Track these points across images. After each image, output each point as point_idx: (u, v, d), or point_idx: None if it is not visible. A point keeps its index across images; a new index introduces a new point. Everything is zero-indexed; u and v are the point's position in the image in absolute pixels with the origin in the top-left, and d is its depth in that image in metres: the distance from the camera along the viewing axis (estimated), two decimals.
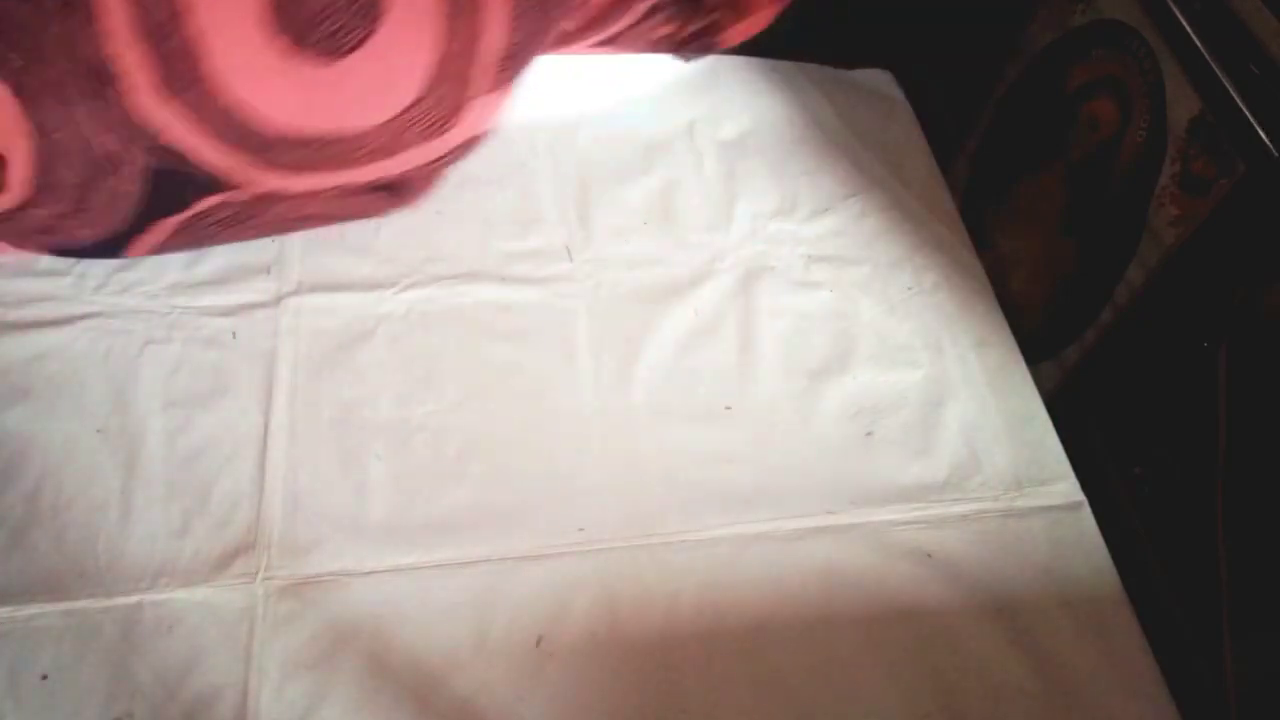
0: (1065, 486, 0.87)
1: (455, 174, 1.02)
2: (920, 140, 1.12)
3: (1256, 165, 0.69)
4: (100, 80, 0.69)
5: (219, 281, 0.98)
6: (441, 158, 0.91)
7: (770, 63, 1.18)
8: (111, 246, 0.89)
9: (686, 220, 1.05)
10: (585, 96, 1.14)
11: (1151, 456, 0.82)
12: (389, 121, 0.82)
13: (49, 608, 0.78)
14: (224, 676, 0.75)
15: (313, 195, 0.88)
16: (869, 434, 0.90)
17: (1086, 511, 0.85)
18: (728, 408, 0.91)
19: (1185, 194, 0.76)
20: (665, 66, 1.14)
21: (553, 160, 1.09)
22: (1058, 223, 0.92)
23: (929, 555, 0.83)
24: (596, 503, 0.85)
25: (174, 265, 0.99)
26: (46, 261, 0.98)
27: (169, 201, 0.83)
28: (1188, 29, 0.75)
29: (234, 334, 0.95)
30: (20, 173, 0.76)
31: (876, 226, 1.05)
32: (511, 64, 0.84)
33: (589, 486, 0.86)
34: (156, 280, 0.98)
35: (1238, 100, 0.70)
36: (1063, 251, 0.91)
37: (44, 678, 0.75)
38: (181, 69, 0.70)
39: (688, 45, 1.04)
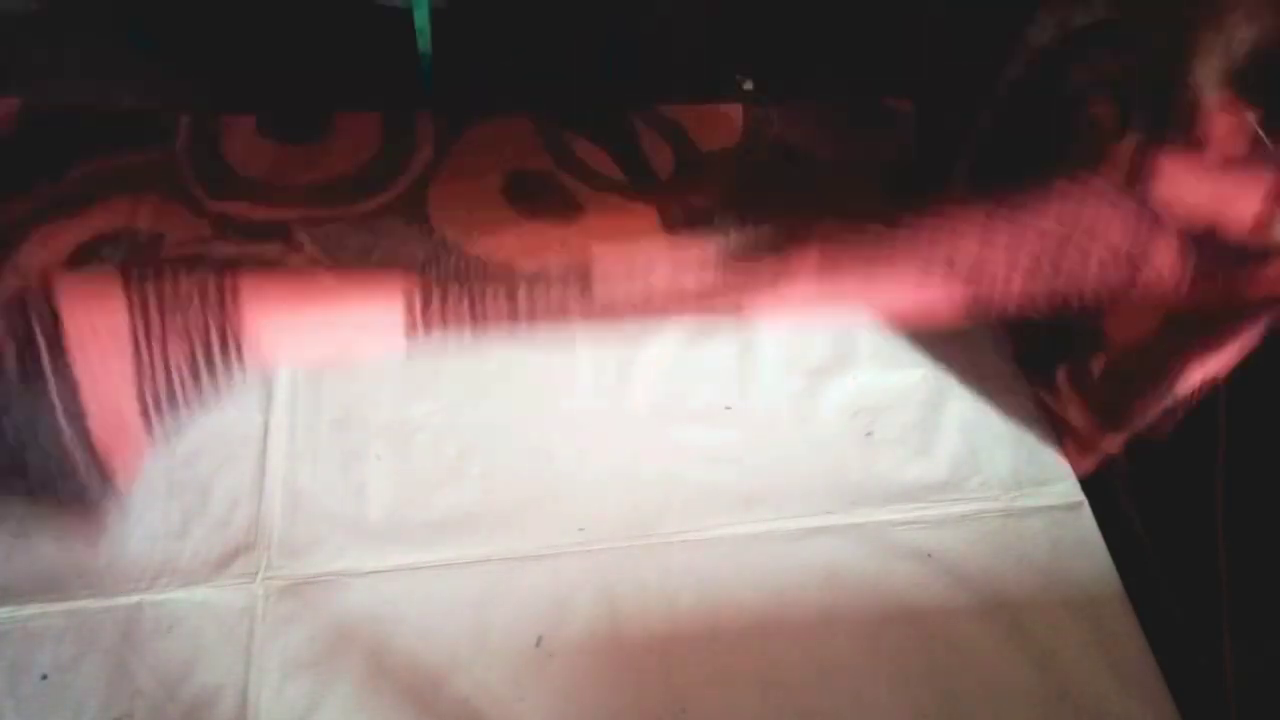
0: (1065, 486, 0.87)
1: None
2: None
3: None
4: None
5: None
6: None
7: None
8: None
9: None
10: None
11: (1151, 456, 0.82)
12: None
13: (49, 608, 0.78)
14: (224, 676, 0.76)
15: None
16: (869, 434, 0.90)
17: (1086, 511, 0.85)
18: (728, 408, 0.91)
19: None
20: None
21: None
22: None
23: (929, 555, 0.83)
24: (596, 503, 0.85)
25: None
26: None
27: None
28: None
29: None
30: None
31: None
32: None
33: (589, 486, 0.86)
34: None
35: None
36: None
37: (44, 677, 0.75)
38: None
39: None
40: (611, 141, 1.08)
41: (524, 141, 1.08)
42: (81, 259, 0.93)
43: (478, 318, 0.62)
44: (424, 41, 1.10)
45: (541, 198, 1.02)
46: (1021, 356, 0.92)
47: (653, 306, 0.66)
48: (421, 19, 1.10)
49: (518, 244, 0.85)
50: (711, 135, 1.11)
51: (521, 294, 0.63)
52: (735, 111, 1.14)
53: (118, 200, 0.99)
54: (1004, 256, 0.59)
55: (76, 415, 0.53)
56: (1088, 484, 0.87)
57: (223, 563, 0.80)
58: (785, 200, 1.06)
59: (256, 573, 0.80)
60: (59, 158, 1.01)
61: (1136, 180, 0.57)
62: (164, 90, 1.10)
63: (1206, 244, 0.58)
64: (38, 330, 0.51)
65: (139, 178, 1.01)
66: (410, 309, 0.59)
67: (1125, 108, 0.84)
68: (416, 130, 1.07)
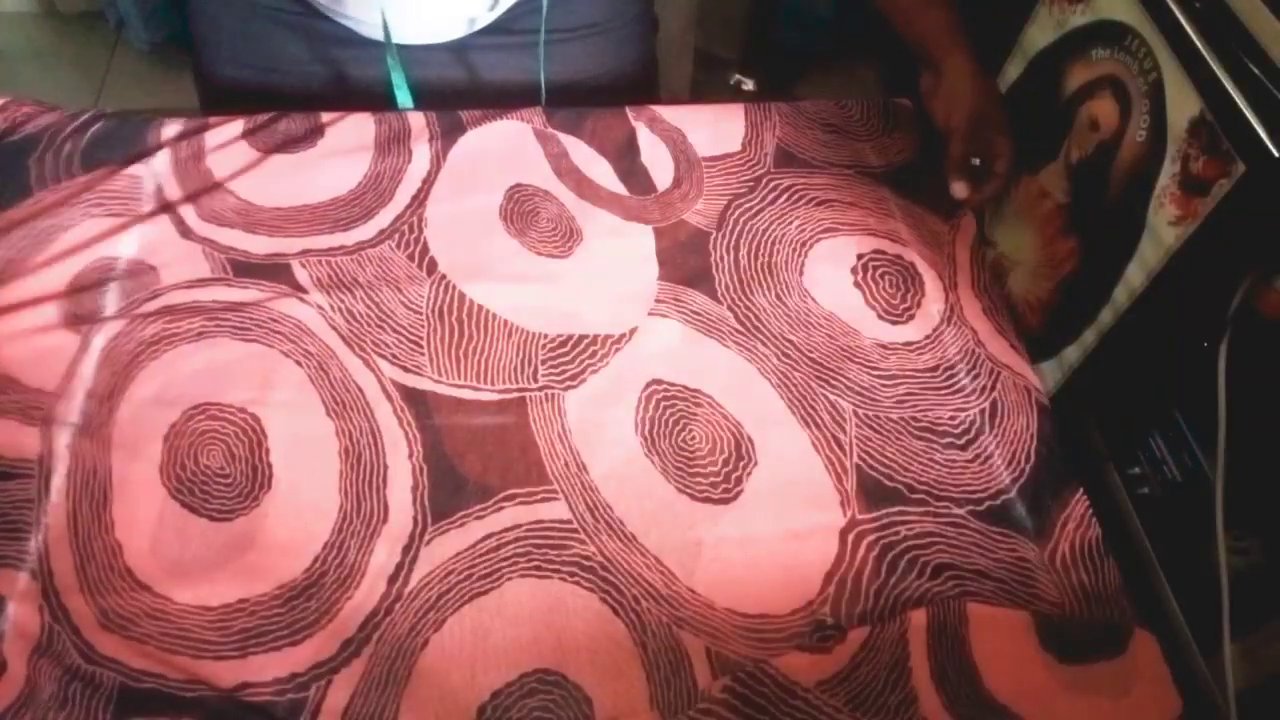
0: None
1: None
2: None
3: (1256, 165, 0.69)
4: None
5: None
6: None
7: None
8: None
9: None
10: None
11: (1151, 456, 0.82)
12: None
13: None
14: None
15: None
16: None
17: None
18: None
19: (1185, 194, 0.76)
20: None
21: None
22: (1058, 223, 0.92)
23: None
24: None
25: None
26: None
27: None
28: (1188, 29, 0.75)
29: None
30: None
31: None
32: None
33: None
34: None
35: (1238, 100, 0.70)
36: (1063, 251, 0.91)
37: None
38: None
39: None
40: (611, 145, 1.07)
41: (522, 141, 1.06)
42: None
43: None
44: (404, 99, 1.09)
45: (536, 222, 0.99)
46: None
47: None
48: (405, 99, 1.09)
49: None
50: (711, 140, 1.09)
51: None
52: (736, 114, 1.13)
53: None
54: None
55: None
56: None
57: None
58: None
59: None
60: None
61: None
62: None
63: None
64: None
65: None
66: None
67: (1125, 108, 0.84)
68: (410, 132, 1.04)
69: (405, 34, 1.06)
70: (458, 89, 1.12)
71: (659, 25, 1.24)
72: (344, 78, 1.12)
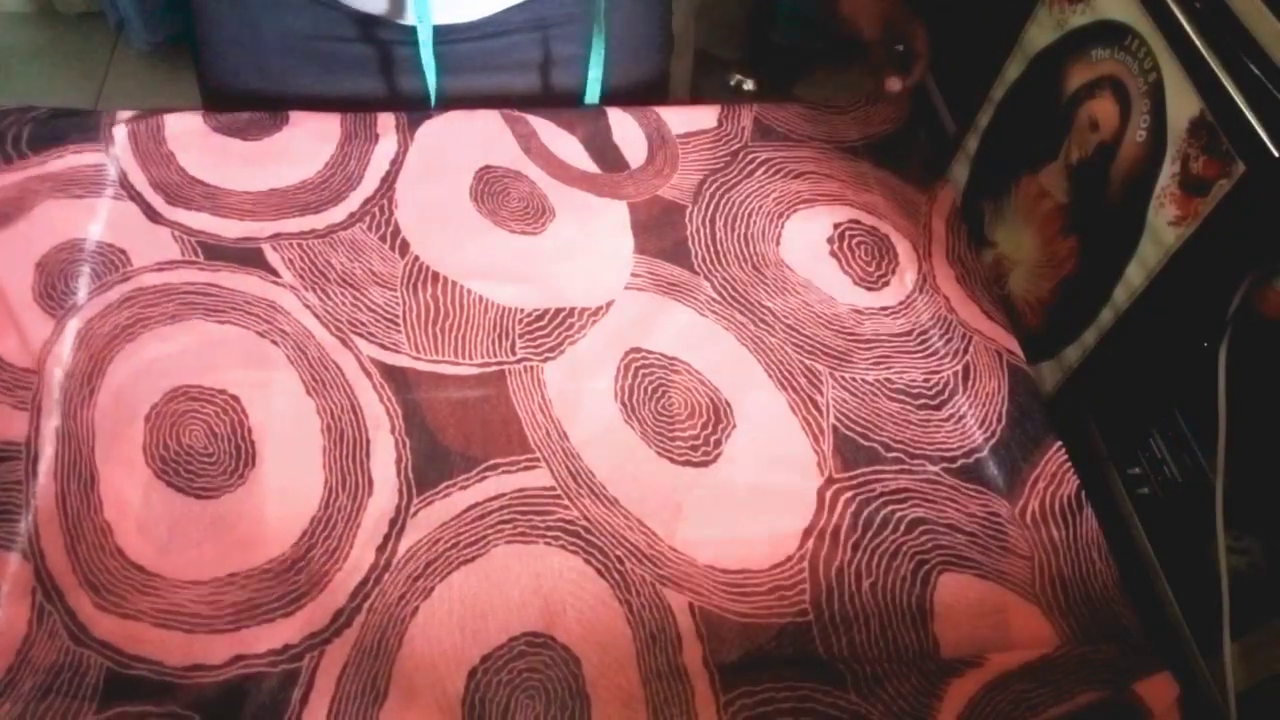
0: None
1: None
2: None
3: (1256, 165, 0.69)
4: None
5: None
6: None
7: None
8: None
9: None
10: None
11: (1151, 457, 0.82)
12: None
13: None
14: None
15: None
16: None
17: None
18: None
19: (1185, 194, 0.76)
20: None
21: None
22: (1058, 223, 0.92)
23: None
24: None
25: None
26: None
27: None
28: (1188, 29, 0.75)
29: None
30: None
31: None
32: None
33: None
34: None
35: (1238, 100, 0.70)
36: (1063, 251, 0.91)
37: None
38: None
39: None
40: (581, 125, 1.06)
41: (488, 124, 1.05)
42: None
43: None
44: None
45: (506, 201, 0.99)
46: None
47: None
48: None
49: None
50: (685, 119, 1.10)
51: None
52: (711, 107, 1.12)
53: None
54: None
55: None
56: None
57: None
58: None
59: None
60: None
61: None
62: None
63: None
64: None
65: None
66: None
67: (1125, 108, 0.84)
68: (376, 119, 1.03)
69: (435, 14, 1.01)
70: (486, 98, 1.09)
71: (674, 40, 1.24)
72: (359, 94, 1.09)
